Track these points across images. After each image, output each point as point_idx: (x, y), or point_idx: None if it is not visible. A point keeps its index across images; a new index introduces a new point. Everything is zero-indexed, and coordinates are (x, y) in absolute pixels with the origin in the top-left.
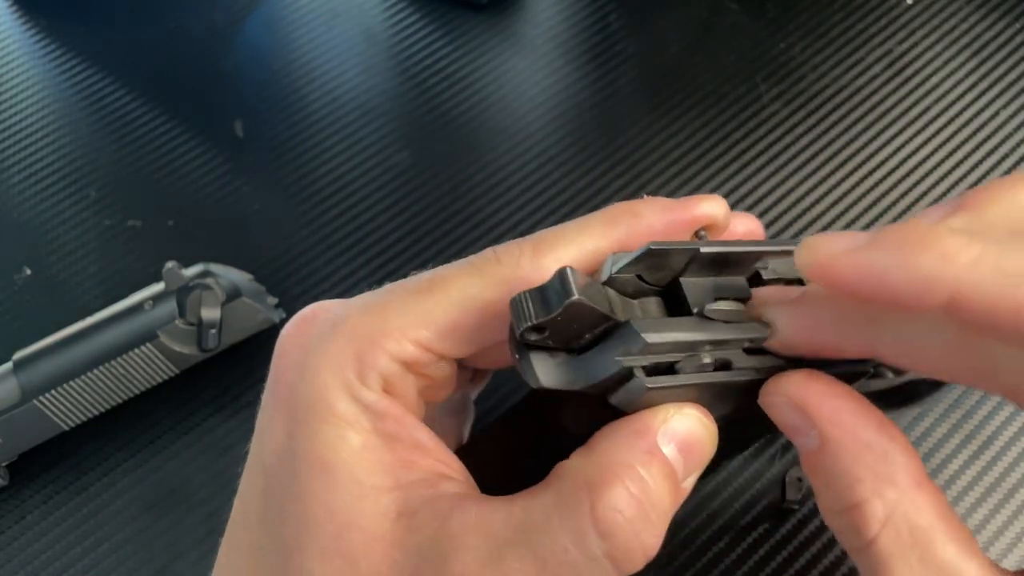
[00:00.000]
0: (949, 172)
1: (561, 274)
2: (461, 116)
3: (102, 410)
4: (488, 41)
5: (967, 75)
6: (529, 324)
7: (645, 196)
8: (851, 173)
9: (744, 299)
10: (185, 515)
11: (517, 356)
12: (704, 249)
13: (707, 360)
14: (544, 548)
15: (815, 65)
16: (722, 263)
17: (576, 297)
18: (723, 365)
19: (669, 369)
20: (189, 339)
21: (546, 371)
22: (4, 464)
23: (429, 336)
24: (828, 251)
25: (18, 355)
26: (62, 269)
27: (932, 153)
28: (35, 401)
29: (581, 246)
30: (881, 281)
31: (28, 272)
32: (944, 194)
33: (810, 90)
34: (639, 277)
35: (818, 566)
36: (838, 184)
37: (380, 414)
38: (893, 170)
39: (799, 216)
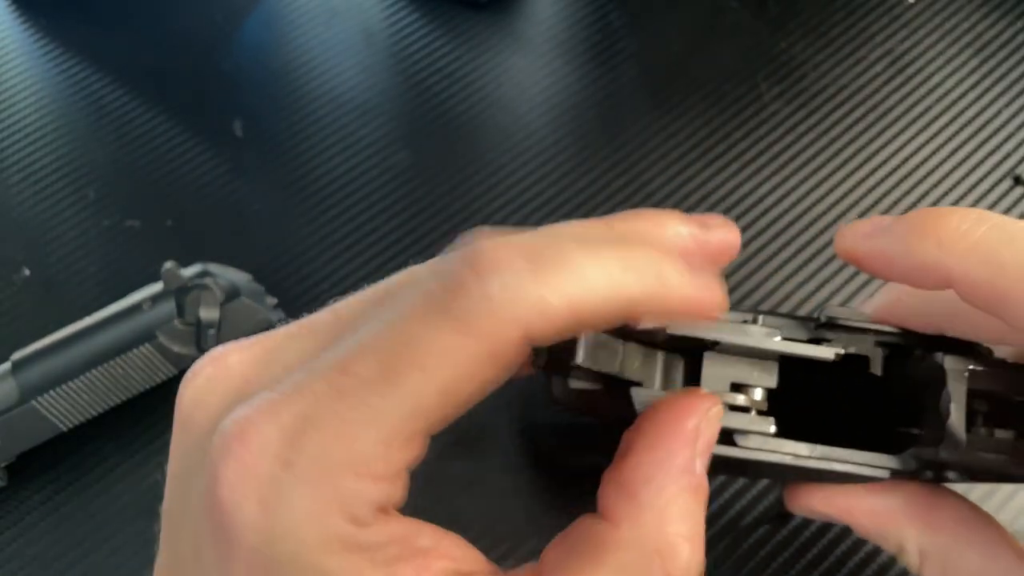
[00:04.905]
0: (951, 172)
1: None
2: (461, 116)
3: (101, 411)
4: (488, 41)
5: (969, 74)
6: (539, 367)
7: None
8: (852, 173)
9: (769, 388)
10: None
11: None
12: (724, 339)
13: None
14: None
15: (816, 64)
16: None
17: (581, 362)
18: (725, 438)
19: None
20: (188, 339)
21: (558, 389)
22: (2, 465)
23: (417, 432)
24: (851, 238)
25: (16, 355)
26: (61, 269)
27: (934, 153)
28: (33, 402)
29: (590, 280)
30: (892, 266)
31: (27, 272)
32: (945, 194)
33: (811, 89)
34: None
35: (819, 568)
36: (839, 184)
37: (377, 546)
38: (894, 170)
39: (799, 216)
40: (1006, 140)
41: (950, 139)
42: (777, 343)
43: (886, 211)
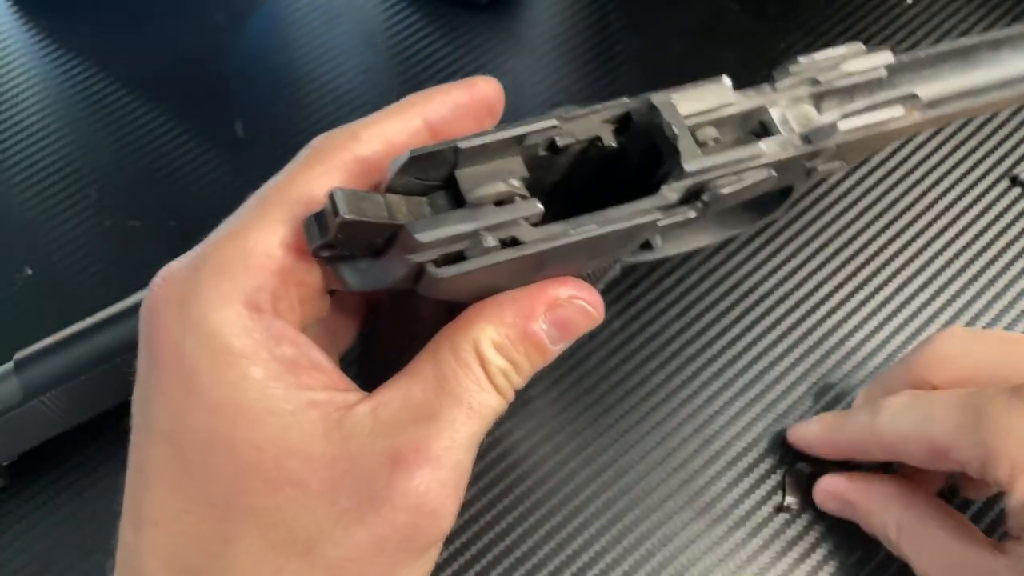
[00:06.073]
0: (948, 172)
1: (331, 196)
2: None
3: (103, 410)
4: (488, 42)
5: None
6: (316, 244)
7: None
8: (850, 173)
9: (523, 177)
10: None
11: (329, 268)
12: (462, 145)
13: (492, 243)
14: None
15: None
16: (493, 150)
17: (345, 216)
18: (512, 242)
19: (460, 256)
20: None
21: (353, 276)
22: (5, 464)
23: (290, 234)
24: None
25: (19, 355)
26: (63, 269)
27: (932, 152)
28: (36, 401)
29: (387, 133)
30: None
31: (29, 272)
32: (943, 194)
33: None
34: (419, 178)
35: (823, 569)
36: (837, 184)
37: (275, 338)
38: (893, 170)
39: (798, 216)
40: (1003, 140)
41: (948, 139)
42: (508, 129)
43: (884, 210)
